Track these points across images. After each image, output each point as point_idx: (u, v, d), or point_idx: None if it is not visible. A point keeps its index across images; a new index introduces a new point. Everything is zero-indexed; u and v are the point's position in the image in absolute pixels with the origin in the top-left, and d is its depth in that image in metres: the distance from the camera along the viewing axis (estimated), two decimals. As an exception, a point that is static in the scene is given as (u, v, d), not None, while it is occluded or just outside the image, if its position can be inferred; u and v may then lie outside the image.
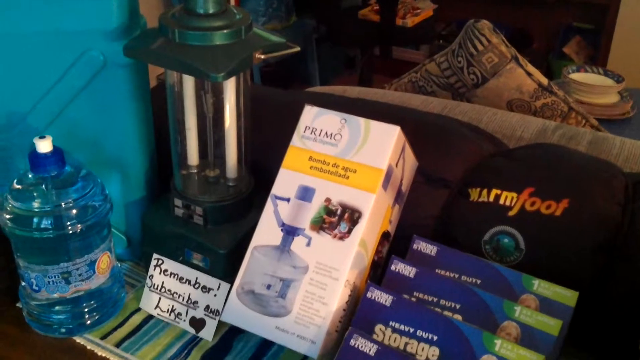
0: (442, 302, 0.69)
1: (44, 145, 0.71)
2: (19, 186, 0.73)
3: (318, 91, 1.19)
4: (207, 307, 0.78)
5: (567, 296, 0.69)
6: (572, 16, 3.20)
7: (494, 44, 1.24)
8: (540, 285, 0.70)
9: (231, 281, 0.75)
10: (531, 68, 1.28)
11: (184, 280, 0.80)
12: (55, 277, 0.74)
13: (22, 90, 0.78)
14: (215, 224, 0.80)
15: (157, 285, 0.81)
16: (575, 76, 2.02)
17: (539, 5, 3.21)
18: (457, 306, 0.69)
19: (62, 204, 0.72)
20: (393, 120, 0.74)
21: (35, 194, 0.72)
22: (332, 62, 3.45)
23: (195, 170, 0.84)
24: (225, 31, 0.70)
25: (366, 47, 3.16)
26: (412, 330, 0.65)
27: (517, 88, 1.25)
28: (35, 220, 0.71)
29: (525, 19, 3.24)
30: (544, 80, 1.27)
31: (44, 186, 0.72)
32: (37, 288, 0.75)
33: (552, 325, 0.66)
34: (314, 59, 3.21)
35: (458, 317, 0.68)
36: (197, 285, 0.79)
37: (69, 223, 0.72)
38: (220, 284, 0.78)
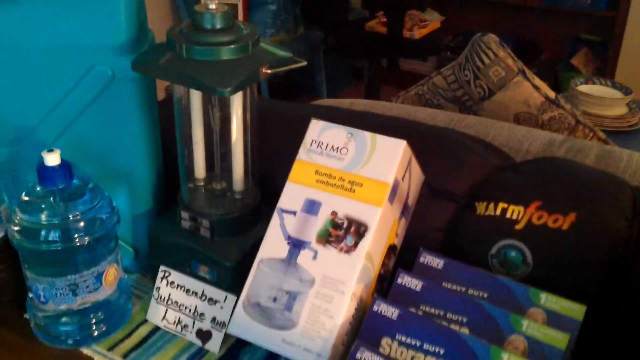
0: (449, 315, 0.69)
1: (52, 159, 0.72)
2: (27, 199, 0.74)
3: (325, 104, 1.20)
4: (214, 319, 0.78)
5: (575, 310, 0.69)
6: (580, 28, 3.21)
7: (501, 58, 1.25)
8: (548, 299, 0.70)
9: (237, 293, 0.75)
10: (538, 81, 1.28)
11: (191, 292, 0.80)
12: (62, 289, 0.75)
13: (31, 103, 0.79)
14: (222, 237, 0.81)
15: (164, 297, 0.81)
16: (583, 88, 2.02)
17: (547, 17, 3.22)
18: (464, 320, 0.68)
19: (70, 216, 0.73)
20: (400, 133, 0.74)
21: (43, 206, 0.73)
22: (339, 73, 3.46)
23: (202, 183, 0.85)
24: (232, 46, 0.70)
25: (373, 59, 3.17)
26: (418, 343, 0.65)
27: (524, 101, 1.25)
28: (43, 232, 0.72)
29: (533, 31, 3.25)
30: (551, 94, 1.27)
31: (51, 199, 0.73)
32: (44, 300, 0.76)
33: (559, 339, 0.65)
34: (321, 71, 3.22)
35: (465, 330, 0.68)
36: (203, 298, 0.79)
37: (76, 235, 0.73)
38: (226, 296, 0.78)
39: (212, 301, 0.79)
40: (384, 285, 0.77)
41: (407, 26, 2.98)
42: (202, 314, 0.79)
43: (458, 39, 3.39)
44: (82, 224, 0.73)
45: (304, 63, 0.76)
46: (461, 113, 1.25)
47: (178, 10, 3.08)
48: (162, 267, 0.82)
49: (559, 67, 3.24)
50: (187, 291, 0.80)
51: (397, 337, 0.66)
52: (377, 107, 1.15)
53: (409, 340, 0.66)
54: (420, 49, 3.09)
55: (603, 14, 3.01)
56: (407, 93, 1.40)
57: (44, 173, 0.72)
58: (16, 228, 0.73)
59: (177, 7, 3.08)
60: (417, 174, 0.79)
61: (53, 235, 0.72)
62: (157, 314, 0.81)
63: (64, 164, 0.73)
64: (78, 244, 0.73)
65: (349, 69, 3.58)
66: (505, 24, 3.26)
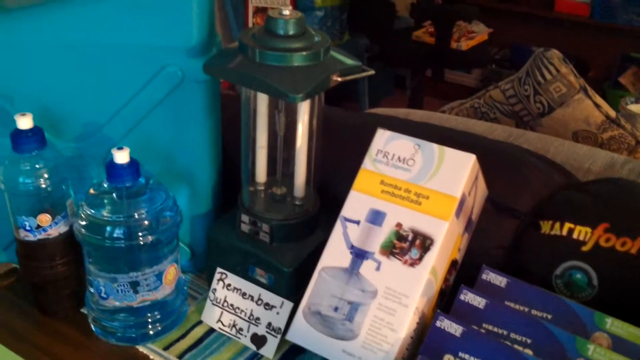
0: (513, 335, 0.68)
1: (122, 156, 0.73)
2: (94, 193, 0.75)
3: (381, 113, 1.19)
4: (269, 324, 0.78)
5: (642, 337, 0.67)
6: (630, 46, 3.15)
7: (563, 74, 1.23)
8: (614, 324, 0.69)
9: (294, 300, 0.75)
10: (599, 99, 1.25)
11: (247, 296, 0.80)
12: (124, 286, 0.75)
13: (101, 101, 0.80)
14: (281, 242, 0.81)
15: (220, 299, 0.81)
16: (634, 108, 1.98)
17: (596, 33, 3.17)
18: (528, 341, 0.67)
19: (135, 214, 0.73)
20: (461, 146, 0.74)
21: (108, 203, 0.74)
22: (382, 81, 3.45)
23: (263, 188, 0.85)
24: (304, 53, 0.70)
25: (418, 69, 3.15)
26: (482, 362, 0.64)
27: (584, 119, 1.23)
28: (108, 229, 0.73)
29: (581, 47, 3.20)
30: (612, 113, 1.25)
31: (118, 196, 0.74)
32: (105, 295, 0.76)
33: (626, 367, 0.64)
34: (365, 78, 3.21)
35: (529, 352, 0.66)
36: (259, 302, 0.79)
37: (140, 234, 0.73)
38: (283, 302, 0.78)
39: (268, 306, 0.79)
40: (443, 300, 0.76)
41: (455, 37, 2.97)
42: (257, 319, 0.79)
43: (504, 52, 3.36)
44: (146, 222, 0.74)
45: (372, 72, 0.76)
46: (518, 128, 1.23)
47: (227, 17, 3.09)
48: (218, 269, 0.82)
49: (606, 85, 3.18)
50: (244, 295, 0.80)
51: (460, 354, 0.65)
52: (433, 118, 1.14)
53: (472, 359, 0.65)
54: (467, 60, 3.07)
55: (654, 32, 2.96)
56: (462, 105, 1.39)
57: (113, 170, 0.73)
58: (83, 222, 0.74)
59: (225, 15, 3.10)
60: (482, 189, 0.78)
61: (118, 232, 0.73)
62: (213, 316, 0.82)
63: (133, 162, 0.73)
64: (142, 242, 0.73)
65: (391, 77, 3.57)
66: (552, 39, 3.22)
